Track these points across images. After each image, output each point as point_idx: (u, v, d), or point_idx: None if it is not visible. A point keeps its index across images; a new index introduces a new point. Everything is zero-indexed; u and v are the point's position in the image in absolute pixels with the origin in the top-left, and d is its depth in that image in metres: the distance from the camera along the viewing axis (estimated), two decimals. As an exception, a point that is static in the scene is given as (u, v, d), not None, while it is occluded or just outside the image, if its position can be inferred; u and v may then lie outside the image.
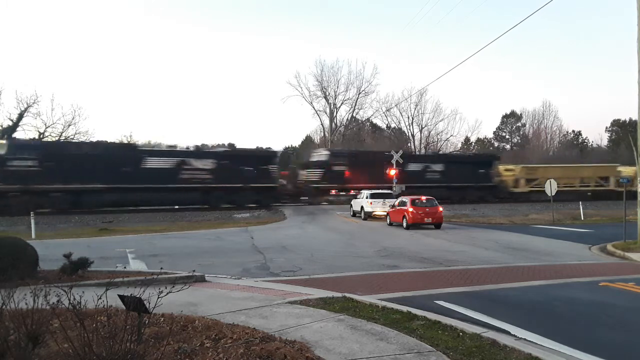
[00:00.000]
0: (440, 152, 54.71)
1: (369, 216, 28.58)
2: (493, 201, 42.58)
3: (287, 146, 64.42)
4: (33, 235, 19.89)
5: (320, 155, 42.96)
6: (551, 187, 27.80)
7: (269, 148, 45.50)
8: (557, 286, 9.86)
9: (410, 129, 69.63)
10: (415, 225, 22.91)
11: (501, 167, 46.18)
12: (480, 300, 8.54)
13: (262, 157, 38.34)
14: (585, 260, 13.91)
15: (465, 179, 42.02)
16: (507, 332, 6.43)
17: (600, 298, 8.94)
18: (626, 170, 46.33)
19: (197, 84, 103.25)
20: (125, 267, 11.47)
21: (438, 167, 42.70)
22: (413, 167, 41.19)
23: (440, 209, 23.88)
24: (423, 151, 67.17)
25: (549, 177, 42.97)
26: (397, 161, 35.84)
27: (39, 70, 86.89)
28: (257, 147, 47.53)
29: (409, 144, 68.14)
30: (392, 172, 34.85)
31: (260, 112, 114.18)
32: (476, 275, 11.10)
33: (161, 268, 9.01)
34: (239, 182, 35.28)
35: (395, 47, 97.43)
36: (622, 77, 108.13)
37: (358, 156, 42.32)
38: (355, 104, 66.16)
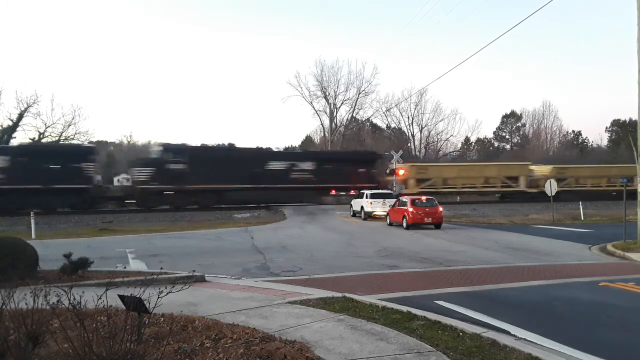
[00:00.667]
0: (311, 150, 49.99)
1: (369, 216, 28.58)
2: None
3: (287, 146, 64.32)
4: (33, 235, 19.89)
5: (152, 151, 38.28)
6: (551, 188, 27.77)
7: (86, 142, 41.64)
8: (557, 286, 9.85)
9: (410, 129, 69.77)
10: (415, 225, 22.91)
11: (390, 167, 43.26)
12: (480, 300, 8.54)
13: (72, 153, 34.23)
14: (585, 260, 13.90)
15: (342, 180, 38.23)
16: (507, 332, 6.43)
17: (600, 298, 8.94)
18: (540, 170, 44.57)
19: (197, 84, 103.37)
20: (125, 267, 11.47)
21: (307, 165, 38.30)
22: (275, 166, 37.24)
23: (440, 209, 23.88)
24: (423, 151, 67.25)
25: (443, 176, 41.71)
26: (259, 160, 35.13)
27: (39, 70, 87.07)
28: (68, 142, 42.96)
29: (409, 144, 68.20)
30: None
31: (260, 112, 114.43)
32: (476, 275, 11.10)
33: (161, 268, 9.00)
34: (40, 182, 30.28)
35: (395, 47, 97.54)
36: (622, 77, 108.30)
37: (205, 152, 37.37)
38: (355, 104, 66.20)
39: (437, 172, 42.20)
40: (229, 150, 39.58)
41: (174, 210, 34.27)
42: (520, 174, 43.70)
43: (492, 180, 43.21)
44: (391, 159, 36.89)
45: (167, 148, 35.47)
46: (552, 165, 46.39)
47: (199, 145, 41.06)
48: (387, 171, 39.04)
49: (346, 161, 40.83)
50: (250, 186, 35.10)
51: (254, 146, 45.16)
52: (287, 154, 41.53)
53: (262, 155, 38.72)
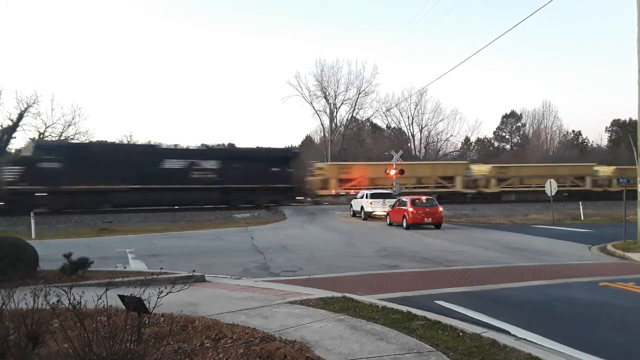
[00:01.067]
0: (215, 146, 43.75)
1: (369, 216, 28.60)
2: (290, 204, 36.72)
3: (287, 146, 64.25)
4: (33, 235, 19.89)
5: (23, 148, 34.78)
6: (551, 187, 27.76)
7: None
8: (557, 286, 9.86)
9: (410, 129, 69.75)
10: (415, 225, 22.91)
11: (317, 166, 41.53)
12: (480, 300, 8.54)
13: None
14: (585, 260, 13.91)
15: (252, 180, 34.69)
16: (507, 332, 6.43)
17: (600, 298, 8.94)
18: (479, 169, 43.52)
19: (197, 84, 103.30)
20: (125, 267, 11.48)
21: (210, 164, 34.89)
22: (171, 164, 33.76)
23: (440, 209, 23.89)
24: (423, 151, 67.25)
25: (368, 177, 39.30)
26: (152, 157, 32.42)
27: (39, 70, 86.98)
28: None
29: (409, 144, 68.18)
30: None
31: (261, 112, 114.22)
32: (476, 275, 11.10)
33: (161, 268, 9.00)
34: None
35: (395, 47, 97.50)
36: (622, 77, 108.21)
37: (85, 150, 34.24)
38: (355, 104, 66.18)
39: (361, 172, 39.90)
40: (115, 147, 36.28)
41: (174, 210, 34.17)
42: (456, 174, 41.88)
43: (425, 181, 41.19)
44: (306, 159, 35.48)
45: (40, 145, 32.68)
46: (492, 165, 44.91)
47: (78, 142, 37.69)
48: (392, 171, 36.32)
49: (257, 160, 36.42)
50: (141, 187, 31.59)
51: (146, 142, 41.72)
52: (186, 151, 36.76)
53: (155, 152, 34.77)
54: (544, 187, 42.14)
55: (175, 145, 38.75)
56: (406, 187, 37.47)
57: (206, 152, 36.68)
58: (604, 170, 44.33)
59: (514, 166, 46.16)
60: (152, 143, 39.99)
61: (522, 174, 43.83)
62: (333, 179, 39.36)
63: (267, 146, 45.63)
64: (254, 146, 45.07)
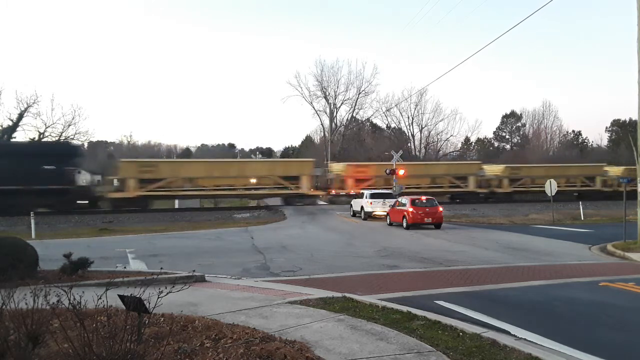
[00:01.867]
0: None
1: (369, 216, 28.59)
2: (68, 211, 30.29)
3: (287, 146, 64.29)
4: (33, 235, 19.90)
5: None
6: (551, 187, 27.74)
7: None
8: (557, 286, 9.85)
9: (410, 129, 69.69)
10: (415, 225, 22.91)
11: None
12: (480, 300, 8.54)
13: None
14: (585, 260, 13.90)
15: (13, 180, 28.32)
16: (507, 332, 6.43)
17: (600, 298, 8.94)
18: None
19: (197, 84, 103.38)
20: (125, 267, 11.47)
21: None
22: None
23: (440, 209, 23.88)
24: (423, 151, 67.22)
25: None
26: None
27: (39, 70, 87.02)
28: None
29: (409, 144, 68.14)
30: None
31: (261, 112, 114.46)
32: (476, 275, 11.10)
33: (161, 268, 9.01)
34: None
35: (395, 47, 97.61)
36: (622, 77, 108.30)
37: None
38: (355, 104, 66.22)
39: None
40: None
41: (174, 210, 34.16)
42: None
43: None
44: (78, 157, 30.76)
45: None
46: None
47: None
48: (387, 171, 33.40)
49: (21, 155, 30.50)
50: None
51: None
52: None
53: None
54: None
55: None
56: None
57: None
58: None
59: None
60: None
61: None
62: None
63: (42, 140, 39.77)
64: (27, 140, 38.98)
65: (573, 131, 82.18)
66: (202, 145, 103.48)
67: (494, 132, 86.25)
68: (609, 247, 15.98)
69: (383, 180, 37.47)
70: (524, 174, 43.40)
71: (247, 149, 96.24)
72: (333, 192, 39.40)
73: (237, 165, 38.08)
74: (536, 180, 42.61)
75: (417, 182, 37.93)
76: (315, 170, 37.82)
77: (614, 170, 44.62)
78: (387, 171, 32.85)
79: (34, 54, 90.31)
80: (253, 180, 35.27)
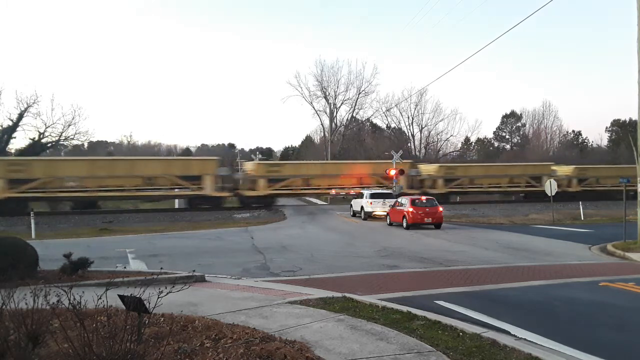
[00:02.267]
0: None
1: (369, 216, 28.59)
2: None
3: (287, 146, 64.32)
4: (33, 235, 19.90)
5: None
6: (551, 187, 27.73)
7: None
8: (557, 286, 9.85)
9: (410, 129, 69.62)
10: (415, 225, 22.90)
11: None
12: (480, 300, 8.54)
13: None
14: (585, 260, 13.90)
15: None
16: (507, 332, 6.42)
17: (600, 298, 8.94)
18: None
19: (197, 84, 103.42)
20: (125, 267, 11.47)
21: None
22: None
23: (440, 209, 23.88)
24: (423, 151, 67.21)
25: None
26: None
27: (39, 70, 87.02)
28: None
29: (409, 144, 68.12)
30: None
31: (261, 112, 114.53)
32: (476, 275, 11.10)
33: (161, 268, 9.01)
34: None
35: (395, 47, 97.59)
36: (622, 77, 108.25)
37: None
38: (355, 104, 66.10)
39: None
40: None
41: (174, 210, 34.14)
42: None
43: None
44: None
45: None
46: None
47: None
48: (392, 172, 32.67)
49: None
50: None
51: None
52: None
53: None
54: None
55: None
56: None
57: None
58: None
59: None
60: None
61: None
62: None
63: None
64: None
65: (573, 131, 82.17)
66: (202, 145, 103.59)
67: (494, 132, 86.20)
68: (609, 247, 15.98)
69: (300, 181, 36.73)
70: (460, 174, 40.95)
71: (247, 149, 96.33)
72: (244, 193, 36.54)
73: (124, 163, 34.53)
74: (475, 180, 41.01)
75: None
76: (220, 170, 35.04)
77: (563, 170, 43.03)
78: (388, 171, 33.10)
79: (33, 54, 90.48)
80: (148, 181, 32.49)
